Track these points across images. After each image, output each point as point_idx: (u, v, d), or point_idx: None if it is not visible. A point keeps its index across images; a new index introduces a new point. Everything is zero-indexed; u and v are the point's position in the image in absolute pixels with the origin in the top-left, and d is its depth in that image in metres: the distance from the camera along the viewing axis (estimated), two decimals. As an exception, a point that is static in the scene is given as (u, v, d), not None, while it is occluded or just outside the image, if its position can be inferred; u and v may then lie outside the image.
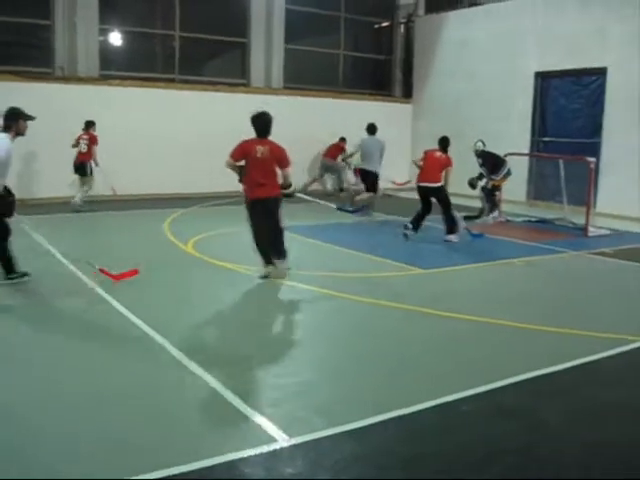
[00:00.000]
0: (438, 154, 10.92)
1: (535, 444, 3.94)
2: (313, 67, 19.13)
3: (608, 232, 12.10)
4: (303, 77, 18.25)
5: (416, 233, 10.79)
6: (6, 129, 6.86)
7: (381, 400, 4.44)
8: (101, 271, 7.23)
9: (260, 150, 7.50)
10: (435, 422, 4.20)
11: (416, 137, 19.01)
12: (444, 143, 11.01)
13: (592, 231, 11.89)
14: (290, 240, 8.40)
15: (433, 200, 10.87)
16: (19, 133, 7.01)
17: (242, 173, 7.63)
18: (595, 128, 14.94)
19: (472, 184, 13.18)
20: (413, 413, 4.22)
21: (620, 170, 14.21)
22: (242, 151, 7.58)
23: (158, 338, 5.50)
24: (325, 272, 8.27)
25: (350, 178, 16.52)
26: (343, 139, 17.05)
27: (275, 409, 4.26)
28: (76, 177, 13.24)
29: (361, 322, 6.38)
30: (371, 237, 11.04)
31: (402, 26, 19.89)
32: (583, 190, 12.24)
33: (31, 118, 7.09)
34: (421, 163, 11.04)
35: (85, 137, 13.04)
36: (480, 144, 13.33)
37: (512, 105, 16.51)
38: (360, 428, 3.99)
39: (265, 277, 7.76)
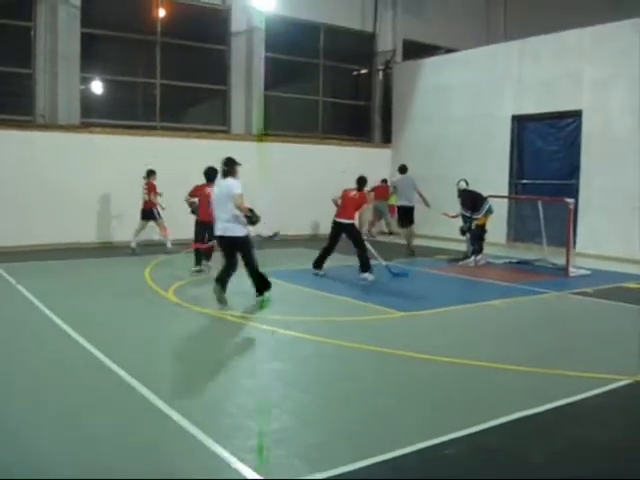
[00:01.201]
0: (353, 193, 11.36)
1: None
2: (293, 114, 19.34)
3: (588, 272, 12.16)
4: (283, 124, 18.41)
5: (321, 270, 11.31)
6: (227, 174, 8.65)
7: (362, 445, 4.39)
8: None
9: (207, 191, 10.76)
10: (417, 466, 4.14)
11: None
12: (360, 183, 11.47)
13: (572, 271, 11.97)
14: (273, 285, 9.02)
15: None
16: (235, 177, 8.68)
17: (194, 205, 11.60)
18: (572, 169, 15.17)
19: (463, 231, 13.29)
20: (396, 458, 4.17)
21: (598, 210, 14.42)
22: (196, 191, 11.60)
23: (135, 383, 5.44)
24: (305, 317, 8.24)
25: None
26: (385, 180, 17.78)
27: (257, 455, 4.18)
28: (141, 222, 14.00)
29: (341, 366, 6.33)
30: (349, 280, 10.99)
31: (380, 73, 20.23)
32: (562, 231, 12.35)
33: (239, 164, 8.78)
34: (339, 201, 11.39)
35: (145, 186, 13.70)
36: (462, 183, 13.46)
37: (490, 148, 16.76)
38: (341, 474, 3.92)
39: (199, 271, 11.33)
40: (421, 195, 14.72)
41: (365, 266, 10.94)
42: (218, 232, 8.69)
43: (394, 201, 16.35)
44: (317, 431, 4.71)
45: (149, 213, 13.87)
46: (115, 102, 16.48)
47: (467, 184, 13.47)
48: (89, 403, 5.15)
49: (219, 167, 8.80)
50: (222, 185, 8.64)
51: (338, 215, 11.34)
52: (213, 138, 16.44)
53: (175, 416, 4.79)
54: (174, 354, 6.69)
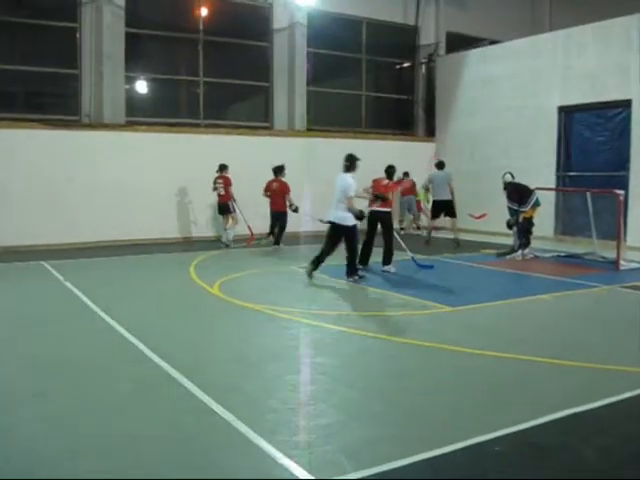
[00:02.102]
0: (385, 182, 11.33)
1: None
2: (336, 109, 19.27)
3: (639, 265, 11.86)
4: (326, 119, 18.36)
5: (367, 266, 11.09)
6: (348, 169, 9.98)
7: (410, 441, 4.32)
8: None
9: (275, 185, 13.98)
10: (467, 464, 4.05)
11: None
12: (390, 171, 11.51)
13: (623, 264, 11.67)
14: (318, 280, 9.59)
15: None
16: (354, 171, 10.03)
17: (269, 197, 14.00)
18: (622, 161, 14.78)
19: (509, 224, 13.07)
20: (444, 455, 4.09)
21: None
22: (267, 186, 14.04)
23: (177, 375, 5.45)
24: (352, 311, 8.20)
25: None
26: (407, 174, 17.48)
27: (302, 451, 4.15)
28: (220, 217, 14.68)
29: (388, 361, 6.27)
30: (397, 275, 10.92)
31: (423, 66, 20.01)
32: (611, 224, 12.06)
33: (359, 159, 10.07)
34: (371, 191, 11.28)
35: (220, 180, 14.07)
36: (508, 176, 13.24)
37: (536, 140, 16.45)
38: (389, 471, 3.86)
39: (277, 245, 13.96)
40: (452, 192, 14.86)
41: (389, 258, 11.05)
42: (331, 218, 10.00)
43: (423, 197, 16.40)
44: (363, 427, 4.64)
45: (225, 207, 14.22)
46: (159, 100, 16.68)
47: (513, 177, 13.26)
48: (131, 396, 5.19)
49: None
50: (340, 180, 9.89)
51: (373, 205, 11.26)
52: (256, 134, 16.52)
53: (219, 410, 4.78)
54: (216, 348, 6.69)
